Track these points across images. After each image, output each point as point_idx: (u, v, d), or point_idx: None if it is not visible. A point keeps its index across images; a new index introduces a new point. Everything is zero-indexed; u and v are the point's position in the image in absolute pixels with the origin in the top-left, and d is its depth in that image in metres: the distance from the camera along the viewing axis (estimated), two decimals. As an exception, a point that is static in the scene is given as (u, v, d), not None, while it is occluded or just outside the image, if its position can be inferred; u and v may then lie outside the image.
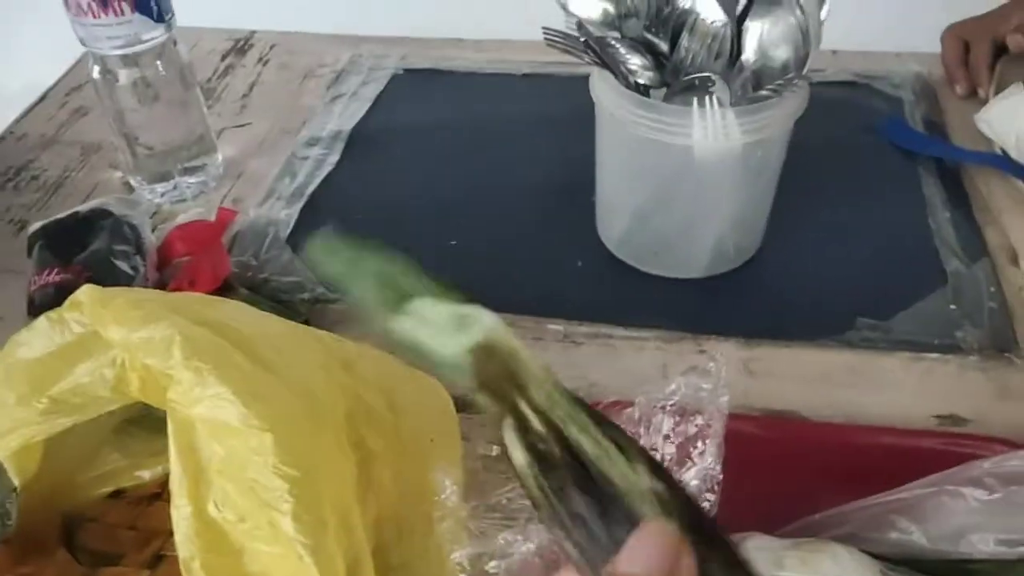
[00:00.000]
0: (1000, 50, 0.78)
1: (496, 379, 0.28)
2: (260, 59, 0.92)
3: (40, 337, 0.42)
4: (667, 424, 0.39)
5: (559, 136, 0.76)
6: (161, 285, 0.62)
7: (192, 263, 0.64)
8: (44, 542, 0.46)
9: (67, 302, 0.42)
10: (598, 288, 0.64)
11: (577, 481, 0.25)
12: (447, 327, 0.29)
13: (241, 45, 0.94)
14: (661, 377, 0.56)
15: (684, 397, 0.40)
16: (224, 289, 0.62)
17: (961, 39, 0.80)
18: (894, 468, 0.43)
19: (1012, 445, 0.48)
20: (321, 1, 0.94)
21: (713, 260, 0.62)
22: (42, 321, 0.42)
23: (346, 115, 0.82)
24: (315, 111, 0.83)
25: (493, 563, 0.36)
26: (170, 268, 0.64)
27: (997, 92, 0.74)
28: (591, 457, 0.25)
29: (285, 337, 0.42)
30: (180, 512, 0.37)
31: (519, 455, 0.26)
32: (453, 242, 0.68)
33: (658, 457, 0.39)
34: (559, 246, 0.67)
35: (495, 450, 0.49)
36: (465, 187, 0.73)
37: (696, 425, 0.39)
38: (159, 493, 0.48)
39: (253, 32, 0.96)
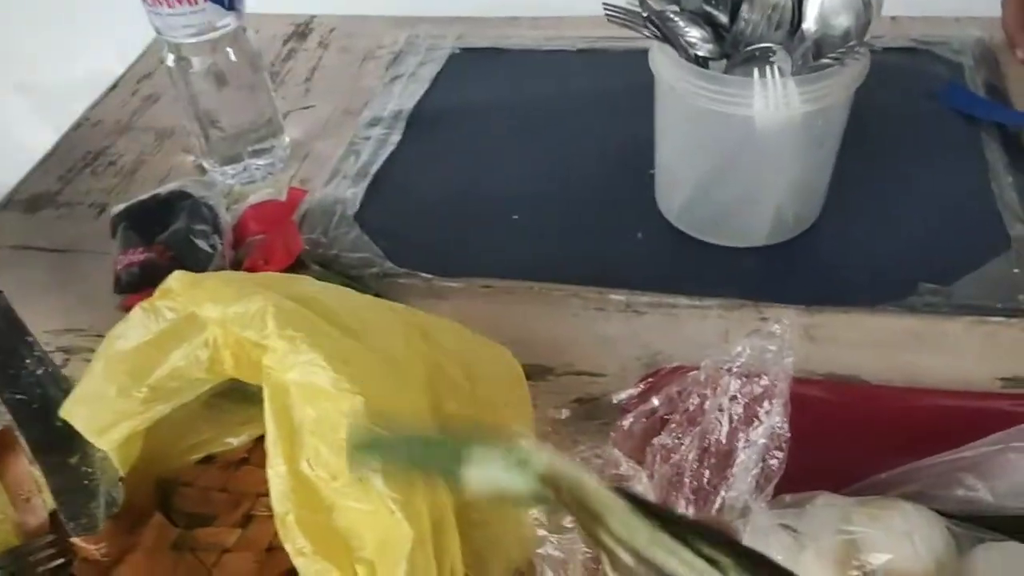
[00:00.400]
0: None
1: (573, 510, 0.26)
2: (320, 43, 0.94)
3: (135, 328, 0.44)
4: (734, 385, 0.40)
5: (616, 111, 0.77)
6: (237, 263, 0.65)
7: (266, 241, 0.66)
8: (143, 510, 0.49)
9: (158, 291, 0.44)
10: (659, 259, 0.65)
11: None
12: (509, 466, 0.28)
13: (301, 29, 0.96)
14: (723, 344, 0.57)
15: (749, 359, 0.41)
16: (296, 266, 0.64)
17: (1022, 2, 0.79)
18: (958, 429, 0.44)
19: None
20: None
21: (773, 229, 0.62)
22: (136, 312, 0.44)
23: (406, 95, 0.84)
24: (375, 92, 0.85)
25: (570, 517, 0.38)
26: (245, 246, 0.67)
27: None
28: None
29: (366, 309, 0.44)
30: (276, 471, 0.39)
31: None
32: (515, 217, 0.69)
33: (725, 417, 0.40)
34: (619, 219, 0.68)
35: (564, 413, 0.51)
36: (525, 163, 0.75)
37: (762, 386, 0.40)
38: (246, 458, 0.51)
39: (313, 16, 0.98)
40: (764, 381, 0.42)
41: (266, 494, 0.43)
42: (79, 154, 0.82)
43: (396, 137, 0.79)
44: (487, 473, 0.28)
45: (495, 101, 0.83)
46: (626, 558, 0.25)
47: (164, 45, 0.69)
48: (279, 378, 0.39)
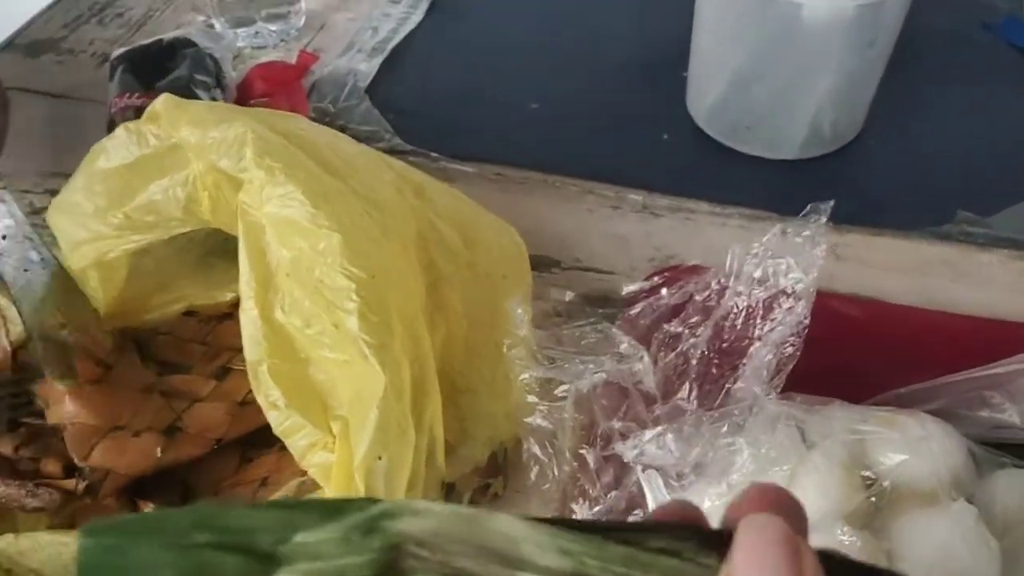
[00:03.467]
0: None
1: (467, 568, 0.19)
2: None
3: (118, 148, 0.42)
4: (759, 271, 0.37)
5: (651, 5, 0.73)
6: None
7: (270, 103, 0.63)
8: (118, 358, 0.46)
9: (145, 113, 0.41)
10: (683, 162, 0.61)
11: None
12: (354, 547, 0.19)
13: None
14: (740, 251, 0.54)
15: (778, 245, 0.38)
16: (301, 130, 0.61)
17: None
18: (986, 354, 0.41)
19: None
20: None
21: (808, 140, 0.58)
22: (120, 131, 0.41)
23: (433, -24, 0.79)
24: (401, -30, 0.80)
25: (563, 387, 0.35)
26: (248, 106, 0.63)
27: None
28: None
29: (358, 155, 0.41)
30: (248, 315, 0.36)
31: None
32: (535, 105, 0.66)
33: (743, 305, 0.37)
34: (645, 117, 0.64)
35: (569, 295, 0.48)
36: (550, 52, 0.70)
37: (788, 278, 0.37)
38: (230, 313, 0.48)
39: None
40: (791, 275, 0.38)
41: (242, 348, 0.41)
42: (88, 3, 0.78)
43: (418, 17, 0.74)
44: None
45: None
46: None
47: None
48: (255, 216, 0.36)
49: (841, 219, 0.55)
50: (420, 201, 0.41)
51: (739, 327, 0.37)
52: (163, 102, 0.40)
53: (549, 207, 0.58)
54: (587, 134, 0.63)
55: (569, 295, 0.48)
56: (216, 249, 0.49)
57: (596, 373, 0.34)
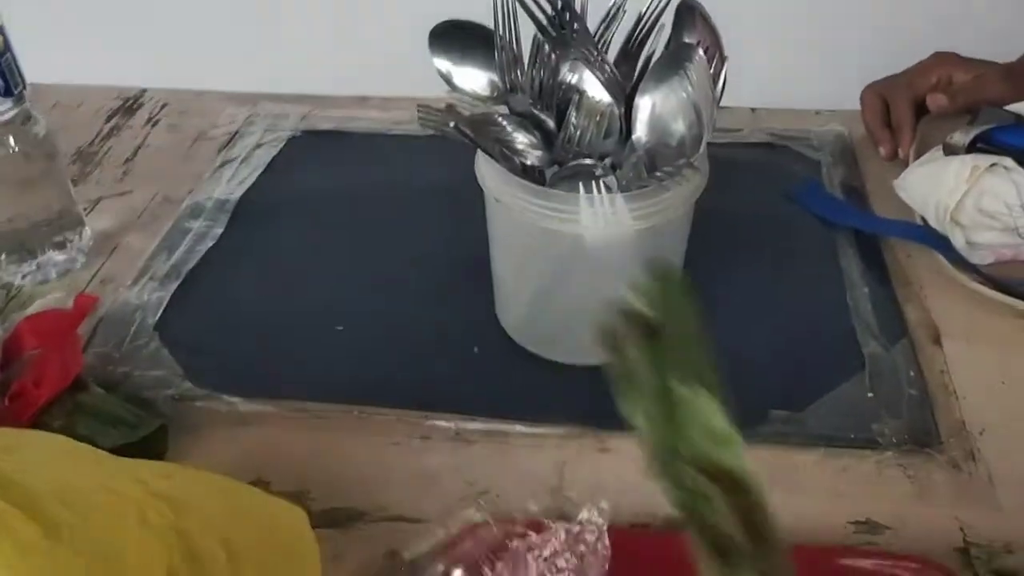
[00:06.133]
0: (921, 109, 0.75)
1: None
2: (149, 119, 0.86)
3: None
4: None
5: (461, 207, 0.71)
6: (4, 385, 0.56)
7: (41, 358, 0.57)
8: None
9: None
10: (494, 377, 0.58)
11: None
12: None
13: (130, 104, 0.88)
14: (558, 479, 0.51)
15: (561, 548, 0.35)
16: (74, 388, 0.55)
17: (881, 97, 0.78)
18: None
19: (924, 563, 0.43)
20: (219, 59, 0.89)
21: (615, 347, 0.57)
22: None
23: (235, 182, 0.76)
24: (203, 178, 0.77)
25: None
26: (17, 364, 0.58)
27: (918, 156, 0.71)
28: None
29: (93, 483, 0.36)
30: None
31: None
32: (339, 328, 0.62)
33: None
34: (455, 330, 0.62)
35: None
36: (356, 265, 0.68)
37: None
38: None
39: (144, 90, 0.90)
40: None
41: None
42: None
43: (218, 230, 0.71)
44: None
45: (330, 192, 0.76)
46: None
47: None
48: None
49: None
50: (173, 516, 0.37)
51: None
52: None
53: (353, 445, 0.54)
54: (396, 354, 0.60)
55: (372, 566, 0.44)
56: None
57: None
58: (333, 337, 0.62)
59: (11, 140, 0.61)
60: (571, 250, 0.51)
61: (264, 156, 0.79)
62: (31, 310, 0.62)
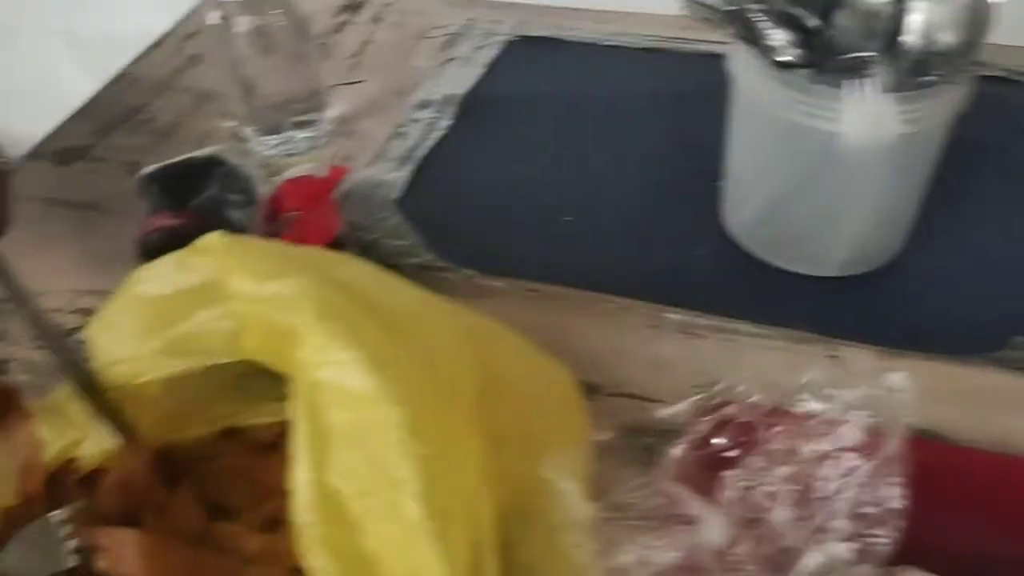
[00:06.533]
0: None
1: None
2: (373, 17, 0.90)
3: (160, 277, 0.41)
4: (831, 434, 0.35)
5: (681, 115, 0.73)
6: (270, 239, 0.61)
7: (302, 218, 0.62)
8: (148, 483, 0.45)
9: (194, 246, 0.40)
10: (721, 279, 0.60)
11: None
12: None
13: (355, 1, 0.92)
14: (791, 380, 0.53)
15: (857, 405, 0.36)
16: (333, 248, 0.60)
17: None
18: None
19: None
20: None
21: (850, 258, 0.58)
22: (166, 261, 0.41)
23: (459, 79, 0.79)
24: (427, 74, 0.81)
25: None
26: (279, 222, 0.63)
27: None
28: None
29: (416, 304, 0.40)
30: (300, 478, 0.35)
31: None
32: (568, 218, 0.65)
33: (820, 466, 0.35)
34: (680, 231, 0.63)
35: (609, 435, 0.46)
36: (581, 162, 0.70)
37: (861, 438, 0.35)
38: (276, 443, 0.46)
39: (366, -10, 0.94)
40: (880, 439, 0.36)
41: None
42: (116, 109, 0.78)
43: (446, 122, 0.74)
44: None
45: (552, 93, 0.78)
46: None
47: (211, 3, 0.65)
48: (312, 374, 0.35)
49: (889, 342, 0.54)
50: (480, 350, 0.40)
51: (815, 489, 0.35)
52: (216, 240, 0.40)
53: (585, 326, 0.57)
54: (622, 247, 0.63)
55: (609, 435, 0.47)
56: (252, 369, 0.47)
57: (666, 553, 0.33)
58: (561, 227, 0.64)
59: (277, 15, 0.65)
60: (823, 152, 0.52)
61: (485, 57, 0.82)
62: (288, 175, 0.66)
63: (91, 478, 0.42)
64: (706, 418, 0.44)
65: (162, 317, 0.41)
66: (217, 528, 0.42)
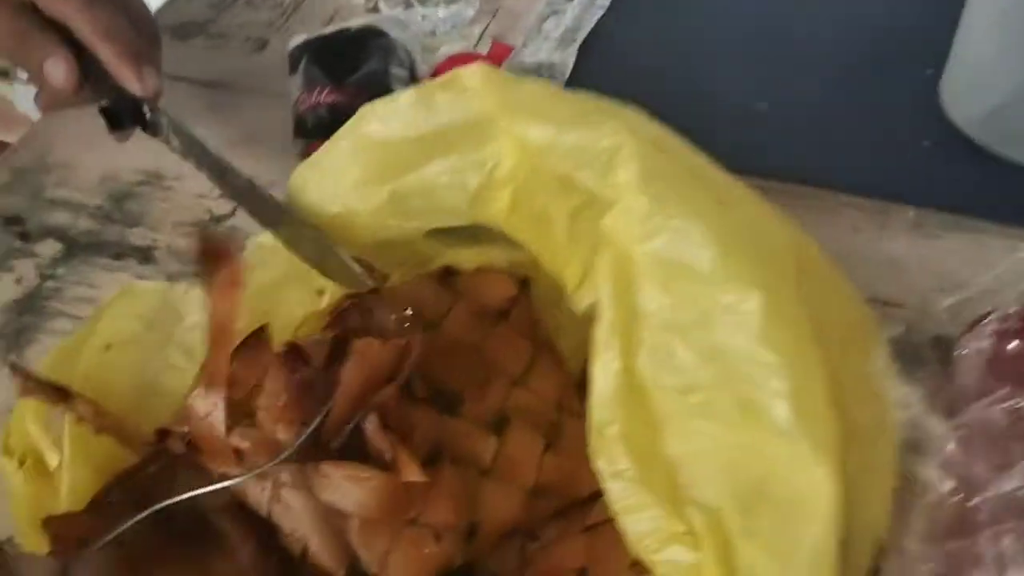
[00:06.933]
0: None
1: None
2: None
3: (398, 114, 0.35)
4: None
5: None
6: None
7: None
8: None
9: (445, 78, 0.33)
10: (951, 174, 0.53)
11: None
12: None
13: None
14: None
15: None
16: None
17: None
18: None
19: None
20: None
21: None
22: (407, 96, 0.34)
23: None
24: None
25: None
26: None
27: None
28: None
29: (722, 173, 0.33)
30: (606, 367, 0.29)
31: None
32: (763, 106, 0.57)
33: None
34: (894, 118, 0.56)
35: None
36: (773, 42, 0.62)
37: None
38: (506, 313, 0.39)
39: None
40: None
41: (521, 380, 0.34)
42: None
43: (604, 0, 0.66)
44: None
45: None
46: None
47: None
48: (626, 248, 0.29)
49: None
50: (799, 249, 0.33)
51: None
52: (479, 73, 0.33)
53: (807, 223, 0.50)
54: (829, 137, 0.56)
55: (898, 330, 0.40)
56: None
57: (1010, 482, 0.27)
58: (755, 115, 0.57)
59: None
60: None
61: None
62: (445, 52, 0.59)
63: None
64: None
65: (389, 163, 0.34)
66: (449, 425, 0.36)
